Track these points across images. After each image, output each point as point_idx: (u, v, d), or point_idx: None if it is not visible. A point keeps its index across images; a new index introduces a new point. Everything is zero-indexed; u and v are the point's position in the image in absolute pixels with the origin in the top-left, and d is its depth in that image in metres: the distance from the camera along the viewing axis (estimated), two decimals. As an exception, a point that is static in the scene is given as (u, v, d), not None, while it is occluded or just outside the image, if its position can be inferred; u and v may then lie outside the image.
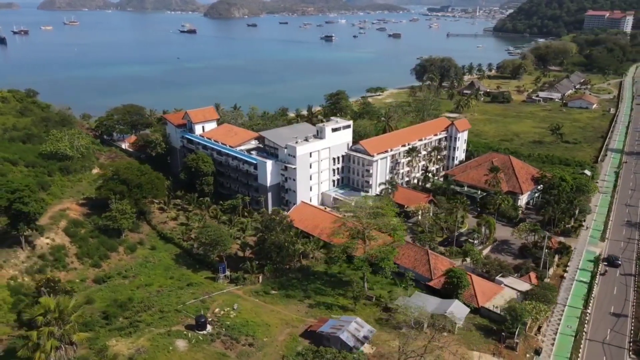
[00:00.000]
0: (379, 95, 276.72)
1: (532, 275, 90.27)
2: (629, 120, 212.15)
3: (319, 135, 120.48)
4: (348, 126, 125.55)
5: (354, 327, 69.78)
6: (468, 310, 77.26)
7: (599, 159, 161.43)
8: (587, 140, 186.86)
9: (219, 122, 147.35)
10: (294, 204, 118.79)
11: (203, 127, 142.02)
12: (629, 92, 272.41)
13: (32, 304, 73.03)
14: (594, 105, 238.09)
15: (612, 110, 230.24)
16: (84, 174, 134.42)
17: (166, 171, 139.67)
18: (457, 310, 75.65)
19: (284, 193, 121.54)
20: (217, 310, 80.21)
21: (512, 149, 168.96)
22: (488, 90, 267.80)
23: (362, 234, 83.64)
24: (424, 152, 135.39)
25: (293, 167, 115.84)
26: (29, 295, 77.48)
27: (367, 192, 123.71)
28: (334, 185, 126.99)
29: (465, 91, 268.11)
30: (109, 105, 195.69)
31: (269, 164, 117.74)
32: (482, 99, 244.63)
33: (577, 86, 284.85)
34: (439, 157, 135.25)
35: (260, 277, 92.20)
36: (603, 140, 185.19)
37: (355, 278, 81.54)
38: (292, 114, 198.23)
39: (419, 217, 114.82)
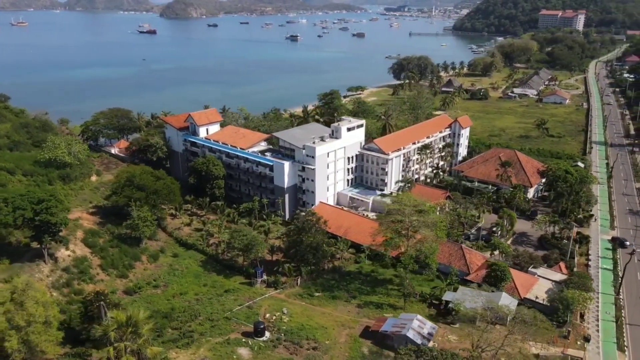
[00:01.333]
0: (360, 94, 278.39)
1: (562, 265, 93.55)
2: (603, 114, 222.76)
3: (335, 134, 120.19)
4: (361, 125, 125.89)
5: (417, 325, 70.24)
6: (516, 302, 79.22)
7: (586, 152, 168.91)
8: (570, 134, 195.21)
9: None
10: (312, 205, 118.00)
11: (207, 129, 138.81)
12: (594, 87, 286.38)
13: (83, 319, 69.54)
14: (567, 101, 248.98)
15: (585, 105, 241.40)
16: (83, 181, 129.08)
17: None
18: (507, 302, 77.42)
19: (301, 194, 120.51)
20: (268, 315, 78.76)
21: (503, 144, 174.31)
22: (465, 87, 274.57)
23: (405, 232, 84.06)
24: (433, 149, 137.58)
25: (312, 167, 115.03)
26: (72, 311, 73.46)
27: (382, 190, 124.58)
28: (348, 185, 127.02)
29: (443, 89, 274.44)
30: (83, 109, 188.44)
31: (287, 165, 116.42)
32: (462, 96, 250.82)
33: (546, 82, 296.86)
34: (450, 153, 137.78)
35: (299, 280, 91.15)
36: (584, 133, 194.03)
37: (403, 275, 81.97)
38: (284, 114, 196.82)
39: (438, 214, 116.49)
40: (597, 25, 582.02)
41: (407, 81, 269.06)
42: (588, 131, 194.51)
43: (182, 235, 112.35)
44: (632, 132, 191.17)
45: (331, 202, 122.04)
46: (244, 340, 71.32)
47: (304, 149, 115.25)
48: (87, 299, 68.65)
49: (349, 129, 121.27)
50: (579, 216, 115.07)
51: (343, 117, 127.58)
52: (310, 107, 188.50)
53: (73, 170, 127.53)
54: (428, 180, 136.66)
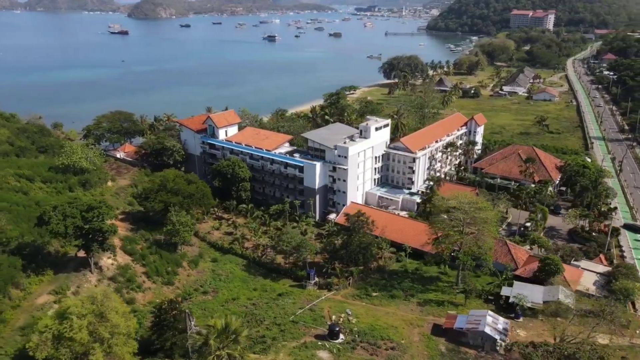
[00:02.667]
0: (353, 93, 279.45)
1: (602, 257, 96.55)
2: (594, 111, 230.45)
3: (363, 134, 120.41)
4: (387, 125, 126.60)
5: (491, 320, 71.20)
6: (573, 294, 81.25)
7: (587, 147, 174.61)
8: (567, 130, 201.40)
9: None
10: (343, 205, 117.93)
11: (226, 131, 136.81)
12: (577, 84, 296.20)
13: (155, 329, 67.41)
14: (557, 98, 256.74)
15: (574, 102, 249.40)
16: (102, 187, 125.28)
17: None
18: (566, 295, 79.38)
19: (331, 194, 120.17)
20: (334, 317, 78.26)
21: (508, 141, 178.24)
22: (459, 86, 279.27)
23: (462, 229, 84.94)
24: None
25: (344, 167, 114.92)
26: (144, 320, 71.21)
27: (410, 189, 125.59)
28: (374, 184, 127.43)
29: (435, 88, 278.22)
30: (71, 113, 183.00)
31: (318, 166, 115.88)
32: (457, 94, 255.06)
33: (531, 80, 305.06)
34: (473, 151, 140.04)
35: (350, 281, 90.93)
36: (581, 129, 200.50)
37: (464, 272, 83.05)
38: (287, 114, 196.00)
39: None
40: (566, 25, 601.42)
41: (401, 80, 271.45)
42: (584, 127, 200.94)
43: (213, 240, 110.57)
44: (626, 127, 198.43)
45: (360, 201, 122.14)
46: (320, 343, 70.65)
47: (335, 149, 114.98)
48: (162, 307, 66.53)
49: (377, 129, 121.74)
50: (602, 209, 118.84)
51: (369, 116, 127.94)
52: (304, 108, 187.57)
53: (91, 176, 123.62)
54: (447, 178, 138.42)
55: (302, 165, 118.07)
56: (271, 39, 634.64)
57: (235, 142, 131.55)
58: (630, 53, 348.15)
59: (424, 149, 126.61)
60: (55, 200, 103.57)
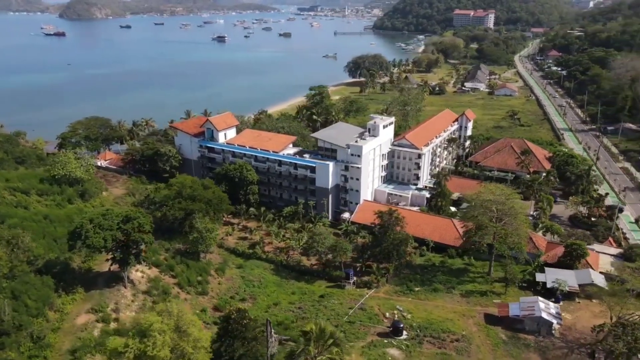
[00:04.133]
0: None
1: (611, 240, 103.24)
2: (554, 105, 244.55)
3: (372, 132, 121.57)
4: (392, 123, 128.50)
5: (544, 306, 74.39)
6: (603, 277, 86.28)
7: (559, 138, 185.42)
8: (535, 122, 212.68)
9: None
10: (356, 204, 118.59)
11: (225, 134, 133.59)
12: (530, 80, 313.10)
13: (222, 339, 64.92)
14: (517, 93, 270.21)
15: (532, 97, 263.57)
16: (100, 197, 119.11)
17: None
18: (598, 277, 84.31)
19: (344, 194, 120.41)
20: (388, 314, 78.76)
21: (486, 135, 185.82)
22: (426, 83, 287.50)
23: (497, 221, 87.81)
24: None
25: (357, 166, 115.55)
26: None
27: (416, 185, 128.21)
28: (381, 182, 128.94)
29: (400, 85, 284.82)
30: (29, 120, 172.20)
31: (331, 165, 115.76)
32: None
33: (488, 77, 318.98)
34: (474, 146, 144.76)
35: (387, 278, 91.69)
36: (547, 122, 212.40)
37: (507, 262, 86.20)
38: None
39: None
40: (505, 24, 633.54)
41: (369, 79, 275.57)
42: (550, 120, 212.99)
43: (229, 245, 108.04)
44: (587, 118, 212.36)
45: (369, 199, 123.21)
46: (386, 341, 70.98)
47: (348, 148, 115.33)
48: (231, 317, 64.17)
49: (384, 127, 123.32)
50: (594, 195, 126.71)
51: (373, 114, 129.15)
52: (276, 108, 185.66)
53: (89, 185, 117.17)
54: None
55: (314, 165, 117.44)
56: (221, 39, 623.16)
57: (238, 145, 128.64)
58: (572, 49, 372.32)
59: (427, 145, 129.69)
60: (63, 213, 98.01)
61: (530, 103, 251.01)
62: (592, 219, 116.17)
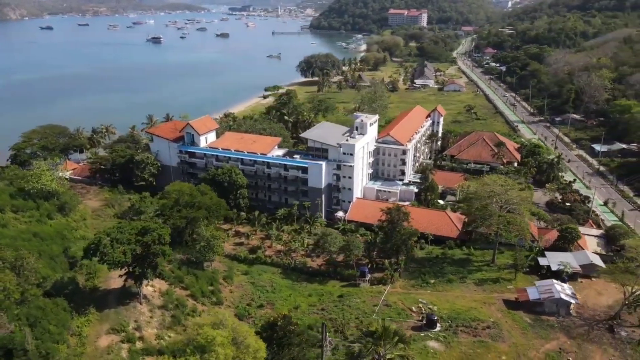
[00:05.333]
0: (276, 93, 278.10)
1: (591, 222, 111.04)
2: (501, 98, 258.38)
3: (360, 130, 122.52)
4: (376, 120, 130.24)
5: (560, 288, 78.74)
6: (598, 257, 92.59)
7: (515, 130, 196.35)
8: (489, 116, 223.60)
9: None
10: (349, 202, 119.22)
11: (206, 138, 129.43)
12: (473, 76, 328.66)
13: (274, 346, 63.09)
14: (464, 88, 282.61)
15: (479, 92, 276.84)
16: (79, 210, 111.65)
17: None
18: (596, 258, 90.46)
19: (336, 193, 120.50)
20: (414, 308, 79.97)
21: (447, 129, 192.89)
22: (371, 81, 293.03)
23: (498, 210, 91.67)
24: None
25: (350, 165, 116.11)
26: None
27: (402, 180, 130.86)
28: (368, 179, 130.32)
29: (354, 83, 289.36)
30: None
31: (324, 165, 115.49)
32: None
33: (435, 74, 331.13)
34: (453, 140, 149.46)
35: (400, 272, 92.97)
36: (499, 115, 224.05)
37: (517, 250, 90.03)
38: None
39: (459, 195, 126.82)
40: (437, 23, 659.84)
41: (325, 78, 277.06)
42: (501, 113, 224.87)
43: (228, 252, 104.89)
44: (534, 111, 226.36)
45: (360, 197, 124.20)
46: (422, 334, 72.08)
47: (340, 147, 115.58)
48: (277, 324, 62.46)
49: (370, 124, 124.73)
50: (564, 182, 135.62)
51: (358, 113, 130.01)
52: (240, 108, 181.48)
53: (69, 199, 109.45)
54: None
55: (306, 166, 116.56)
56: (156, 40, 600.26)
57: (223, 149, 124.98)
58: (505, 47, 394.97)
59: (410, 140, 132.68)
60: (52, 230, 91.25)
61: (479, 98, 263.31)
62: (567, 204, 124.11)
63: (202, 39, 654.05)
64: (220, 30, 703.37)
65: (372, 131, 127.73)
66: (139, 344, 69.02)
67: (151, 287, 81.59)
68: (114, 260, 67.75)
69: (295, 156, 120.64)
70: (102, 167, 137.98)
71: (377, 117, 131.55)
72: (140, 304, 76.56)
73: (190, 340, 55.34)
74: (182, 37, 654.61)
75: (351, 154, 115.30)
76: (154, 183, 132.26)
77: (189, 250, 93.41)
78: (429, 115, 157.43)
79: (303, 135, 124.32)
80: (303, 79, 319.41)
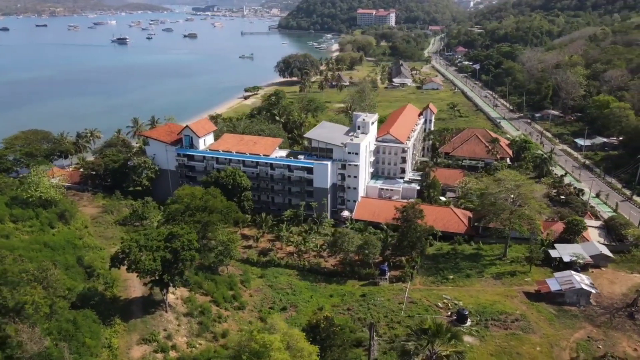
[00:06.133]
0: (256, 93, 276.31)
1: (589, 214, 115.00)
2: (480, 96, 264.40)
3: (363, 129, 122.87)
4: (376, 119, 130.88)
5: (580, 279, 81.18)
6: (604, 247, 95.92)
7: (498, 126, 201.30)
8: (471, 113, 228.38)
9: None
10: (354, 202, 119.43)
11: (204, 140, 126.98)
12: (449, 74, 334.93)
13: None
14: (442, 87, 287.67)
15: (457, 90, 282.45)
16: (79, 218, 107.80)
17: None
18: (604, 249, 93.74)
19: (341, 192, 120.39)
20: (441, 304, 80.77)
21: (435, 125, 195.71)
22: (355, 81, 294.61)
23: (510, 205, 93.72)
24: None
25: (355, 164, 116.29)
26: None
27: (403, 178, 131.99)
28: (369, 178, 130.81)
29: (333, 83, 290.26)
30: None
31: (330, 165, 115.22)
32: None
33: (411, 72, 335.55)
34: (450, 137, 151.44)
35: (417, 270, 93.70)
36: (480, 112, 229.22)
37: (533, 244, 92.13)
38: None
39: (459, 191, 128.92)
40: (405, 22, 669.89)
41: (305, 78, 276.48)
42: (482, 110, 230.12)
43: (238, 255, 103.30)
44: (512, 108, 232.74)
45: (363, 196, 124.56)
46: (455, 330, 72.69)
47: (345, 146, 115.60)
48: (321, 325, 61.80)
49: (372, 123, 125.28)
50: (556, 176, 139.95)
51: (358, 112, 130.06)
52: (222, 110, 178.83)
53: (66, 206, 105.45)
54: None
55: (311, 166, 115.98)
56: (122, 41, 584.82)
57: (223, 151, 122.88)
58: (476, 45, 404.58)
59: (409, 139, 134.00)
60: (62, 239, 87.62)
61: (457, 95, 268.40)
62: (562, 197, 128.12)
63: (170, 39, 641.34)
64: (188, 31, 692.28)
65: (373, 130, 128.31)
66: (172, 354, 67.03)
67: (172, 295, 79.46)
68: (146, 268, 65.42)
69: (299, 157, 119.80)
70: (94, 172, 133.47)
71: (377, 116, 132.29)
72: (166, 312, 74.39)
73: (242, 346, 53.99)
74: (148, 38, 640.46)
75: (356, 153, 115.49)
76: (151, 188, 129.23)
77: (203, 255, 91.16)
78: (421, 114, 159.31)
79: (307, 135, 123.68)
80: (281, 79, 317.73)
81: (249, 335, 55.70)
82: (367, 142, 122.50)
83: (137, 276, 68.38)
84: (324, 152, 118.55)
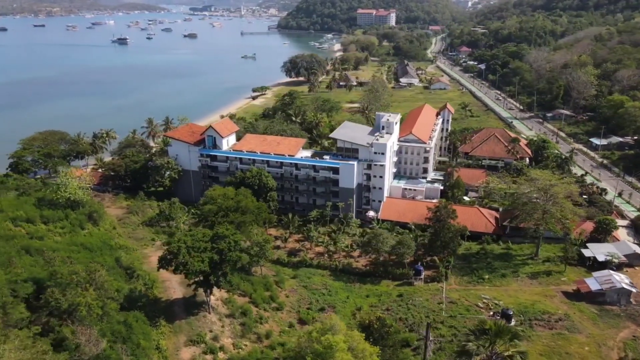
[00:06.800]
0: (264, 94, 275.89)
1: (615, 213, 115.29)
2: (486, 95, 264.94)
3: (387, 129, 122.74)
4: (399, 120, 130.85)
5: (619, 278, 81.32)
6: (638, 246, 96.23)
7: (511, 127, 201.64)
8: (482, 113, 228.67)
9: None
10: (379, 202, 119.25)
11: (227, 141, 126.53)
12: (454, 74, 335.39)
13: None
14: (450, 87, 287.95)
15: (464, 89, 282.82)
16: (106, 220, 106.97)
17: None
18: (637, 248, 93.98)
19: (366, 192, 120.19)
20: (480, 304, 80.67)
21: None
22: (362, 80, 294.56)
23: (543, 205, 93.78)
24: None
25: (381, 164, 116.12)
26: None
27: (425, 178, 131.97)
28: (392, 178, 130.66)
29: (341, 83, 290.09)
30: None
31: (356, 165, 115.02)
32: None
33: (417, 72, 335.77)
34: (470, 137, 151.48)
35: (450, 269, 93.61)
36: (490, 112, 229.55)
37: (568, 243, 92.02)
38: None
39: (482, 190, 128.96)
40: (405, 22, 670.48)
41: (314, 77, 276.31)
42: (492, 110, 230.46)
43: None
44: (524, 107, 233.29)
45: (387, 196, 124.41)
46: (500, 329, 72.61)
47: (371, 146, 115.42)
48: (374, 326, 61.65)
49: (396, 123, 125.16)
50: (577, 175, 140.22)
51: (382, 113, 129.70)
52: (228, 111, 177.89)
53: (95, 207, 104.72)
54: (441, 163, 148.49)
55: (337, 166, 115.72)
56: (122, 41, 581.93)
57: (247, 151, 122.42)
58: (480, 45, 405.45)
59: (431, 138, 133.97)
60: (97, 240, 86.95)
61: (466, 95, 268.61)
62: (584, 196, 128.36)
63: (170, 39, 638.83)
64: (188, 31, 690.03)
65: (396, 130, 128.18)
66: (221, 355, 66.61)
67: (212, 296, 78.89)
68: (195, 269, 64.94)
69: (324, 157, 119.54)
70: (114, 173, 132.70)
71: (399, 115, 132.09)
72: (209, 313, 73.91)
73: (304, 347, 53.64)
74: (148, 38, 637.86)
75: (383, 153, 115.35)
76: (172, 188, 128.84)
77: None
78: (438, 114, 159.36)
79: (332, 135, 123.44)
80: (287, 79, 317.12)
81: (308, 336, 55.42)
82: (392, 142, 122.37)
83: (186, 277, 67.71)
84: (350, 152, 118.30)
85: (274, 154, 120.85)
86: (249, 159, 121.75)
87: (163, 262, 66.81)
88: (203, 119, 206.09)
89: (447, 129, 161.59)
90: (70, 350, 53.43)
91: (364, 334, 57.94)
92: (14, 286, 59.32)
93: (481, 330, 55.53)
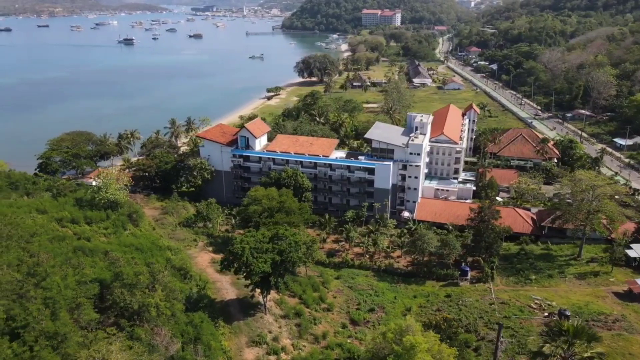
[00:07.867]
0: (279, 94, 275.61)
1: None
2: (501, 95, 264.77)
3: (421, 130, 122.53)
4: (431, 120, 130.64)
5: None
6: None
7: (530, 126, 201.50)
8: (500, 113, 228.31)
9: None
10: (414, 202, 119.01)
11: (260, 141, 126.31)
12: (466, 74, 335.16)
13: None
14: (463, 87, 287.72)
15: (478, 89, 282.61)
16: (145, 220, 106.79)
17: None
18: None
19: (401, 193, 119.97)
20: (534, 304, 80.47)
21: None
22: (375, 81, 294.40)
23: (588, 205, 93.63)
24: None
25: (417, 164, 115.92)
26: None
27: (456, 178, 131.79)
28: (424, 179, 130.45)
29: (355, 83, 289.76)
30: None
31: (392, 166, 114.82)
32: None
33: (429, 72, 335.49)
34: (499, 137, 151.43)
35: (495, 270, 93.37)
36: (508, 112, 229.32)
37: (618, 243, 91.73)
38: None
39: (514, 191, 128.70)
40: (410, 22, 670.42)
41: (328, 78, 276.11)
42: (510, 110, 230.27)
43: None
44: (541, 107, 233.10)
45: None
46: (558, 330, 72.43)
47: (407, 147, 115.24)
48: (442, 326, 61.42)
49: (428, 124, 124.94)
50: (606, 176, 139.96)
51: (413, 113, 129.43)
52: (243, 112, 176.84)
53: (135, 207, 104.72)
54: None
55: (373, 167, 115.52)
56: (128, 42, 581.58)
57: (281, 152, 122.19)
58: (489, 45, 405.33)
59: (461, 139, 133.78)
60: (146, 241, 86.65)
61: (480, 96, 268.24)
62: (616, 197, 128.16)
63: (175, 40, 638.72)
64: (193, 31, 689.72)
65: (429, 131, 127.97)
66: (284, 356, 66.35)
67: (266, 298, 78.67)
68: (259, 270, 64.68)
69: (359, 157, 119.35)
70: (145, 173, 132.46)
71: (431, 116, 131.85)
72: (265, 314, 73.66)
73: (380, 349, 53.39)
74: (154, 38, 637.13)
75: (418, 154, 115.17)
76: (202, 189, 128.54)
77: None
78: (464, 114, 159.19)
79: (366, 136, 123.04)
80: (299, 79, 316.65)
81: (383, 337, 55.18)
82: (425, 143, 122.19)
83: (246, 278, 67.48)
84: (385, 153, 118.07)
85: (309, 155, 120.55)
86: (282, 160, 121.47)
87: (226, 263, 66.47)
88: (220, 119, 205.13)
89: (473, 130, 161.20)
90: (148, 352, 53.11)
91: (438, 335, 57.61)
92: (83, 287, 59.00)
93: (557, 332, 55.26)
